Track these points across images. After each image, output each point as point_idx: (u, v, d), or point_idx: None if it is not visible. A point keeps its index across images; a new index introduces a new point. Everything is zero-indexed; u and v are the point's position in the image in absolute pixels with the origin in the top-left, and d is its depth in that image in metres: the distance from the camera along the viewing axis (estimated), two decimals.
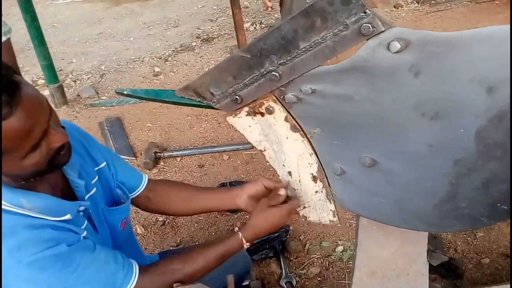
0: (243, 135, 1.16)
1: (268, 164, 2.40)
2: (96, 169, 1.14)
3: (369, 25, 0.80)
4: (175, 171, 2.58)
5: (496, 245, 1.75)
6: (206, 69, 3.87)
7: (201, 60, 4.15)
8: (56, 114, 0.90)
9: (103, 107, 3.46)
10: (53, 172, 0.95)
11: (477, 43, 0.74)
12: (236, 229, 1.13)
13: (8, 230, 0.86)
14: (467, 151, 0.79)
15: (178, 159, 2.62)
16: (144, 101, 3.23)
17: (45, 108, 0.84)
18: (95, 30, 5.35)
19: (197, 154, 2.60)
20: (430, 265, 1.62)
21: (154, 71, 4.01)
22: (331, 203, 1.04)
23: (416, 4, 4.50)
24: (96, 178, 1.12)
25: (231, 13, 5.02)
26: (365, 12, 0.79)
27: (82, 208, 1.01)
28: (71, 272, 0.91)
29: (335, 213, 1.05)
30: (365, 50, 0.83)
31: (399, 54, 0.81)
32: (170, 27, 5.18)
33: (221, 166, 2.51)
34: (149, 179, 1.30)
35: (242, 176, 2.40)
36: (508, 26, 0.71)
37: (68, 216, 0.95)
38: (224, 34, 4.70)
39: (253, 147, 2.56)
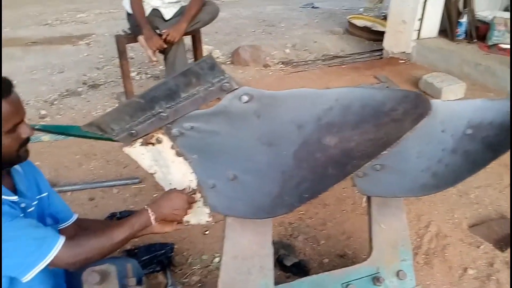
0: (134, 168, 1.36)
1: (155, 195, 2.63)
2: (38, 197, 1.32)
3: (227, 84, 1.17)
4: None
5: (333, 249, 2.21)
6: (94, 113, 3.93)
7: (88, 105, 4.13)
8: None
9: None
10: (16, 163, 1.21)
11: (290, 98, 1.16)
12: (146, 207, 1.32)
13: None
14: (288, 165, 1.17)
15: (69, 193, 2.66)
16: (33, 141, 3.21)
17: (23, 107, 1.17)
18: None
19: (88, 189, 2.70)
20: (284, 265, 2.03)
21: (40, 113, 3.89)
22: (206, 208, 1.36)
23: (281, 65, 5.24)
24: (36, 202, 1.30)
25: (116, 63, 5.14)
26: (224, 75, 1.16)
27: (23, 204, 1.19)
28: (9, 225, 1.06)
29: (210, 215, 1.36)
30: (225, 100, 1.17)
31: (247, 104, 1.17)
32: (55, 73, 5.07)
33: (111, 199, 2.61)
34: (78, 217, 1.52)
35: (131, 206, 2.53)
36: (305, 88, 1.15)
37: (15, 198, 1.17)
38: (111, 81, 4.76)
39: (141, 181, 2.77)
